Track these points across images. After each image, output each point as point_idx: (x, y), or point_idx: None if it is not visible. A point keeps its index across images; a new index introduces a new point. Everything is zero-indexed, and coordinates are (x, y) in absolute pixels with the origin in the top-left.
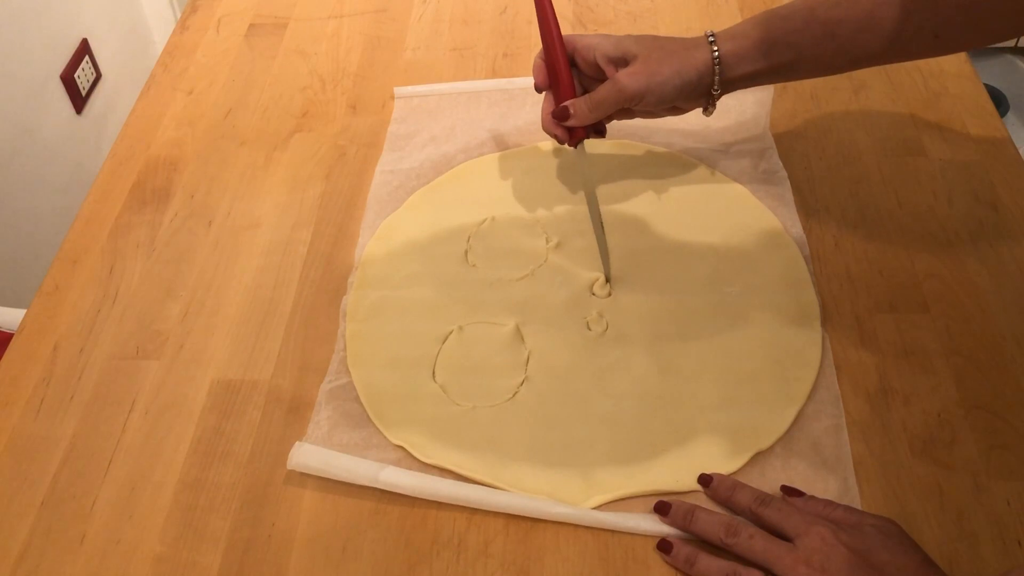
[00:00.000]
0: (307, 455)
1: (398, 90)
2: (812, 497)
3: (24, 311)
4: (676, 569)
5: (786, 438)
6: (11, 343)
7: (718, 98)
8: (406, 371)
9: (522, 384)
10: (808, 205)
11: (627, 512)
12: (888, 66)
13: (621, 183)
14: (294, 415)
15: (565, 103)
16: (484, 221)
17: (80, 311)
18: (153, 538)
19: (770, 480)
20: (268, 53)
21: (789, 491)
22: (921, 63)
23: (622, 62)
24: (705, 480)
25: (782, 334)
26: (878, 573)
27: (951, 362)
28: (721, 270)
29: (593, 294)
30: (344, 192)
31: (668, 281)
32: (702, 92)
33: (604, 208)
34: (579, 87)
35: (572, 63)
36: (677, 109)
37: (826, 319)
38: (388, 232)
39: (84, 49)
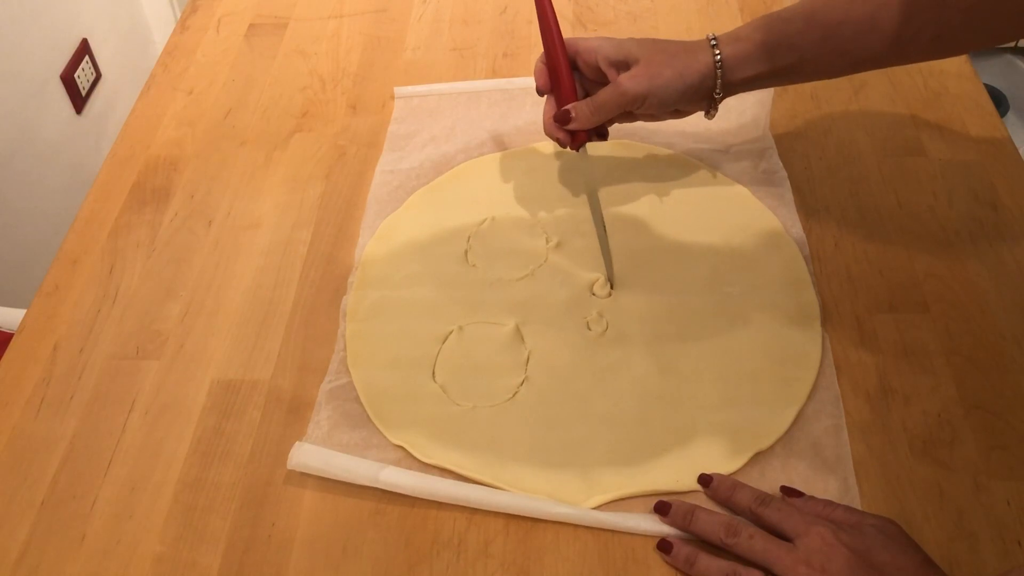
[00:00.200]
0: (307, 455)
1: (398, 90)
2: (812, 497)
3: (24, 311)
4: (676, 569)
5: (786, 438)
6: (11, 343)
7: (720, 101)
8: (406, 371)
9: (522, 384)
10: (808, 205)
11: (627, 512)
12: None
13: (621, 184)
14: (294, 415)
15: (567, 107)
16: (484, 221)
17: (80, 311)
18: (153, 538)
19: (770, 480)
20: (268, 53)
21: (789, 492)
22: (921, 63)
23: (624, 65)
24: (705, 480)
25: (782, 334)
26: (878, 573)
27: (951, 362)
28: (721, 270)
29: (593, 294)
30: (344, 192)
31: (668, 281)
32: (704, 95)
33: (605, 209)
34: (580, 90)
35: (573, 66)
36: (679, 112)
37: (826, 319)
38: (388, 232)
39: (84, 49)
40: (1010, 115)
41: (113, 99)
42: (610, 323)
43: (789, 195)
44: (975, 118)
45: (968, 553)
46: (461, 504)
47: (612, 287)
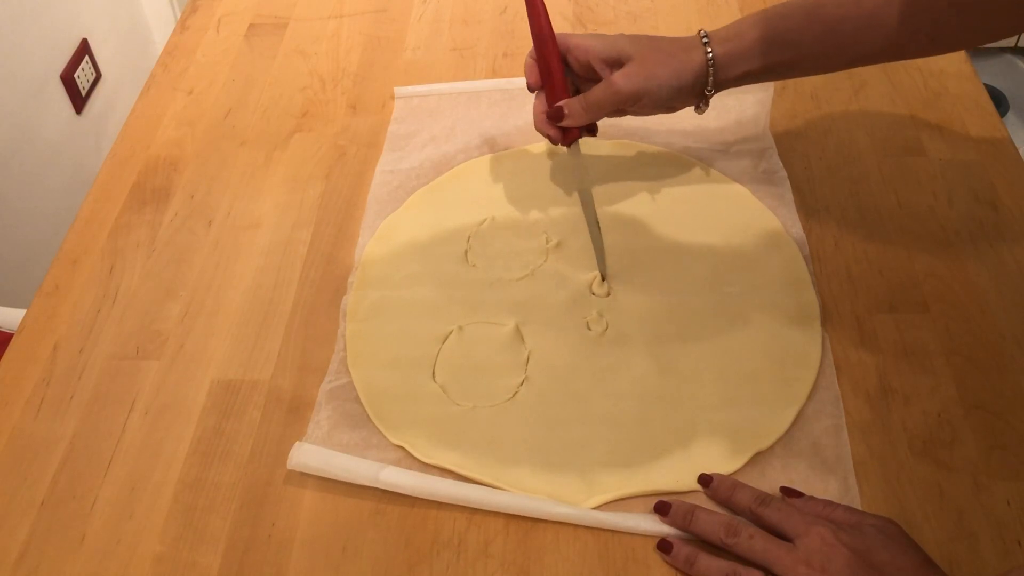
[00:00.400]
0: (307, 455)
1: (398, 90)
2: (812, 497)
3: (24, 311)
4: (676, 569)
5: (786, 438)
6: (11, 343)
7: (711, 97)
8: (406, 371)
9: (522, 384)
10: (808, 205)
11: (627, 512)
12: (888, 66)
13: (621, 184)
14: (294, 415)
15: (559, 103)
16: (484, 221)
17: (80, 311)
18: (153, 538)
19: (770, 480)
20: (268, 53)
21: (788, 492)
22: (921, 63)
23: (617, 63)
24: (705, 480)
25: (782, 334)
26: (878, 573)
27: (951, 362)
28: (721, 270)
29: (593, 293)
30: (344, 192)
31: (668, 281)
32: (697, 92)
33: (604, 209)
34: (571, 86)
35: (564, 62)
36: (670, 108)
37: (826, 319)
38: (388, 232)
39: (84, 49)
40: (1010, 115)
41: (113, 99)
42: (610, 323)
43: (789, 195)
44: (975, 118)
45: (968, 553)
46: (461, 504)
47: (605, 280)
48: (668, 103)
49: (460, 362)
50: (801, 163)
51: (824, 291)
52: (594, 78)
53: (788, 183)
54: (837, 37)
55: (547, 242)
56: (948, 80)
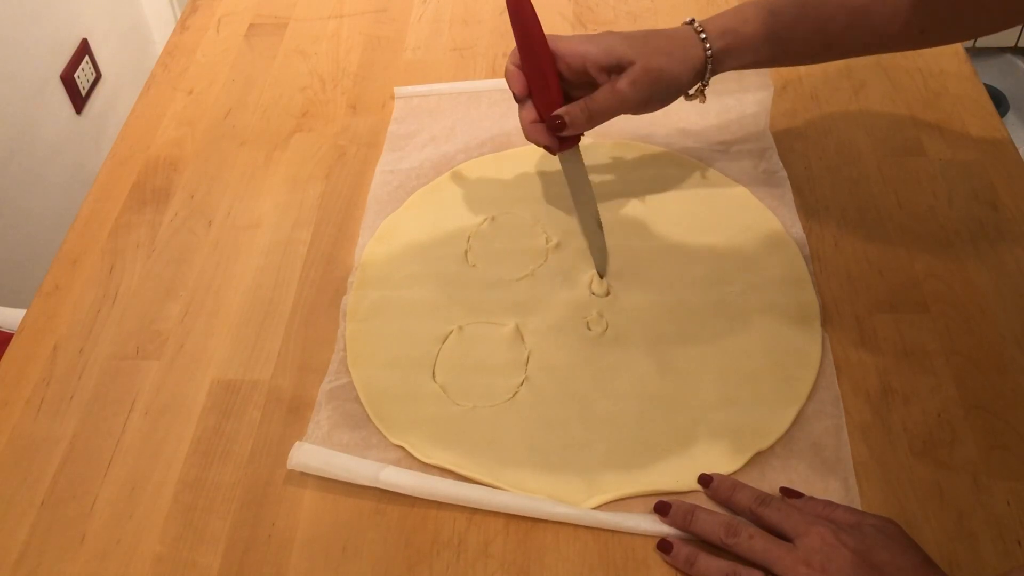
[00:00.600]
0: (307, 455)
1: (398, 90)
2: (812, 498)
3: (24, 311)
4: (676, 569)
5: (786, 438)
6: (11, 343)
7: (705, 88)
8: (406, 371)
9: (522, 384)
10: (808, 205)
11: (627, 512)
12: (888, 66)
13: (621, 183)
14: (294, 415)
15: (558, 112)
16: (484, 221)
17: (80, 311)
18: (153, 538)
19: (770, 480)
20: (268, 53)
21: (788, 492)
22: (921, 63)
23: (616, 69)
24: (705, 480)
25: (782, 334)
26: (878, 573)
27: (951, 362)
28: (721, 270)
29: (593, 293)
30: (344, 192)
31: (668, 281)
32: (693, 85)
33: (605, 209)
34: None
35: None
36: (665, 104)
37: (826, 319)
38: (388, 232)
39: (84, 49)
40: (1010, 115)
41: (113, 99)
42: (610, 323)
43: (789, 195)
44: (975, 118)
45: (968, 553)
46: (461, 504)
47: (602, 276)
48: (669, 101)
49: (460, 362)
50: (801, 163)
51: (824, 291)
52: (586, 83)
53: (788, 183)
54: (828, 34)
55: (547, 242)
56: (948, 80)
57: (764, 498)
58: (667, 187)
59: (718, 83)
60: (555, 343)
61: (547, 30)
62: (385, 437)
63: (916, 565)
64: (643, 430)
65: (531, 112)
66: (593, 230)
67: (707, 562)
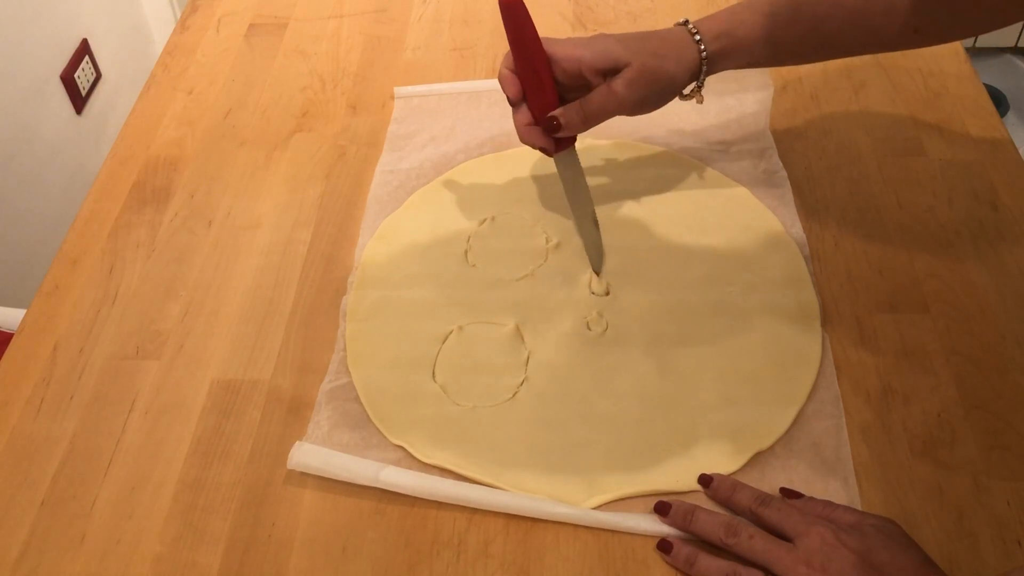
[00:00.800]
0: (307, 455)
1: (398, 90)
2: (812, 498)
3: (24, 311)
4: (676, 569)
5: (786, 438)
6: (11, 343)
7: (700, 89)
8: (406, 371)
9: (522, 384)
10: (808, 205)
11: (627, 512)
12: (888, 66)
13: (621, 183)
14: (294, 415)
15: (554, 114)
16: (484, 221)
17: (80, 311)
18: (153, 538)
19: (770, 480)
20: (268, 53)
21: (788, 493)
22: (921, 63)
23: (612, 71)
24: (705, 480)
25: (782, 334)
26: (878, 573)
27: (951, 362)
28: (721, 270)
29: (592, 293)
30: (344, 192)
31: (668, 281)
32: (686, 85)
33: (605, 208)
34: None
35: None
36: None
37: (826, 319)
38: (388, 232)
39: (84, 49)
40: (1010, 115)
41: (113, 99)
42: (610, 323)
43: (789, 195)
44: (975, 118)
45: (968, 553)
46: (461, 504)
47: (598, 274)
48: (665, 103)
49: (460, 362)
50: (801, 163)
51: (824, 291)
52: (580, 86)
53: (788, 183)
54: (823, 32)
55: (547, 242)
56: (948, 80)
57: (764, 498)
58: (667, 187)
59: (718, 83)
60: (555, 343)
61: (547, 30)
62: (385, 437)
63: (916, 565)
64: (643, 430)
65: (526, 115)
66: (589, 228)
67: (707, 562)
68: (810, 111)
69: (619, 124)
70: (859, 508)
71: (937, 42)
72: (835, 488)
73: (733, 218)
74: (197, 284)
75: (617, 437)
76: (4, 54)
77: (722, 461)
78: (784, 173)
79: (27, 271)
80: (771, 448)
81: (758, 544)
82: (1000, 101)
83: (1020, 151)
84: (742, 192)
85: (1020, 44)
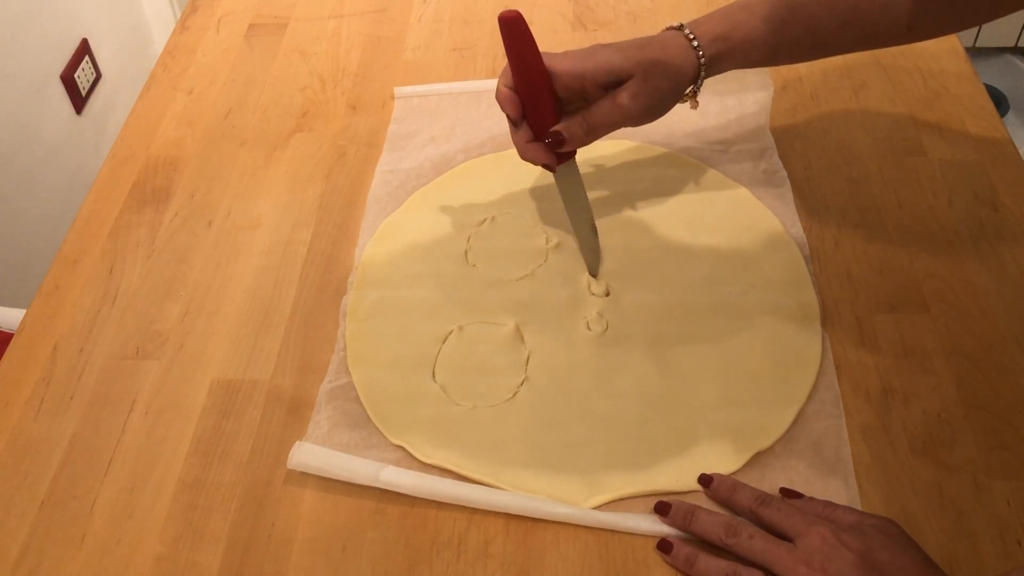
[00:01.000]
0: (307, 455)
1: (398, 90)
2: (812, 498)
3: (24, 311)
4: (676, 569)
5: (786, 438)
6: (11, 343)
7: (697, 94)
8: (406, 371)
9: (522, 384)
10: (808, 205)
11: (627, 512)
12: (888, 66)
13: (621, 184)
14: (294, 415)
15: (556, 129)
16: (484, 221)
17: (80, 311)
18: (153, 538)
19: (770, 480)
20: (268, 53)
21: (788, 493)
22: (921, 63)
23: (615, 84)
24: (705, 480)
25: (782, 334)
26: (878, 573)
27: (951, 362)
28: (721, 270)
29: (592, 293)
30: (344, 192)
31: (668, 281)
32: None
33: (605, 209)
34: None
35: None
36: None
37: (826, 319)
38: (388, 232)
39: (84, 49)
40: (1010, 115)
41: (113, 99)
42: (610, 323)
43: (789, 195)
44: (975, 118)
45: (968, 553)
46: (461, 504)
47: (595, 276)
48: (667, 111)
49: (460, 362)
50: (801, 163)
51: (824, 291)
52: (579, 99)
53: (788, 183)
54: (819, 33)
55: (547, 242)
56: (948, 80)
57: (764, 498)
58: (667, 187)
59: (718, 83)
60: (555, 343)
61: (546, 29)
62: (385, 437)
63: (916, 565)
64: (643, 430)
65: (526, 133)
66: (587, 234)
67: (707, 562)
68: (810, 111)
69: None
70: (859, 508)
71: (932, 36)
72: (835, 488)
73: (733, 218)
74: (197, 284)
75: (617, 437)
76: (4, 54)
77: (722, 461)
78: (784, 173)
79: (27, 271)
80: (771, 448)
81: (758, 544)
82: (1000, 101)
83: (1020, 151)
84: (742, 192)
85: (1020, 44)
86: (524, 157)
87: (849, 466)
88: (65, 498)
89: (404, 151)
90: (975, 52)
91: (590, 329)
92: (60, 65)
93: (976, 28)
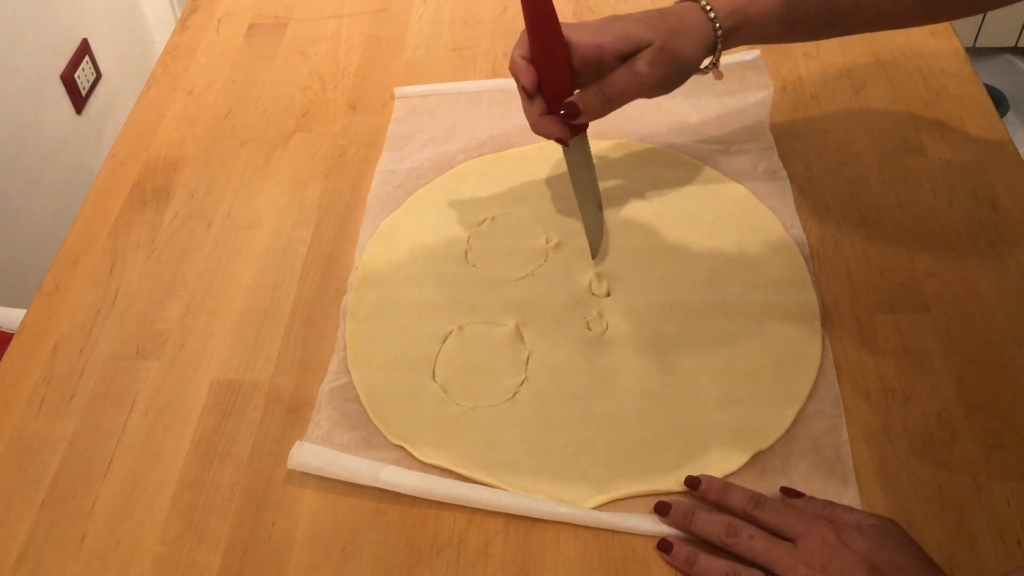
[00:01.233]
0: (307, 455)
1: (398, 90)
2: (811, 497)
3: (24, 311)
4: (676, 569)
5: (786, 438)
6: (11, 343)
7: (710, 68)
8: (406, 371)
9: (522, 384)
10: (808, 205)
11: (627, 512)
12: (888, 66)
13: (621, 183)
14: (294, 415)
15: (571, 99)
16: (484, 221)
17: (80, 311)
18: (153, 538)
19: (770, 480)
20: (268, 53)
21: (788, 492)
22: (921, 63)
23: (633, 54)
24: (692, 483)
25: (782, 334)
26: (879, 573)
27: (951, 362)
28: (721, 270)
29: (593, 294)
30: (344, 192)
31: (668, 281)
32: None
33: (605, 209)
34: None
35: None
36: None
37: (826, 319)
38: (388, 232)
39: (84, 49)
40: (1010, 115)
41: (113, 99)
42: (610, 323)
43: (789, 195)
44: (975, 118)
45: (968, 553)
46: (461, 504)
47: (594, 256)
48: (683, 82)
49: (460, 362)
50: (801, 163)
51: (824, 291)
52: (593, 71)
53: (788, 183)
54: (835, 9)
55: (547, 242)
56: (948, 80)
57: (758, 500)
58: (667, 187)
59: (718, 83)
60: (555, 343)
61: None
62: (385, 437)
63: (917, 565)
64: (643, 430)
65: (540, 105)
66: (592, 211)
67: (707, 562)
68: (810, 111)
69: (619, 123)
70: (859, 508)
71: (948, 18)
72: (835, 488)
73: (733, 218)
74: (197, 284)
75: (617, 437)
76: (4, 54)
77: (722, 461)
78: (784, 173)
79: (27, 271)
80: (771, 448)
81: (758, 544)
82: (1000, 101)
83: (1020, 151)
84: (742, 192)
85: (1020, 44)
86: (536, 130)
87: (849, 466)
88: (65, 498)
89: (404, 151)
90: (975, 52)
91: (590, 329)
92: (60, 65)
93: (976, 28)
